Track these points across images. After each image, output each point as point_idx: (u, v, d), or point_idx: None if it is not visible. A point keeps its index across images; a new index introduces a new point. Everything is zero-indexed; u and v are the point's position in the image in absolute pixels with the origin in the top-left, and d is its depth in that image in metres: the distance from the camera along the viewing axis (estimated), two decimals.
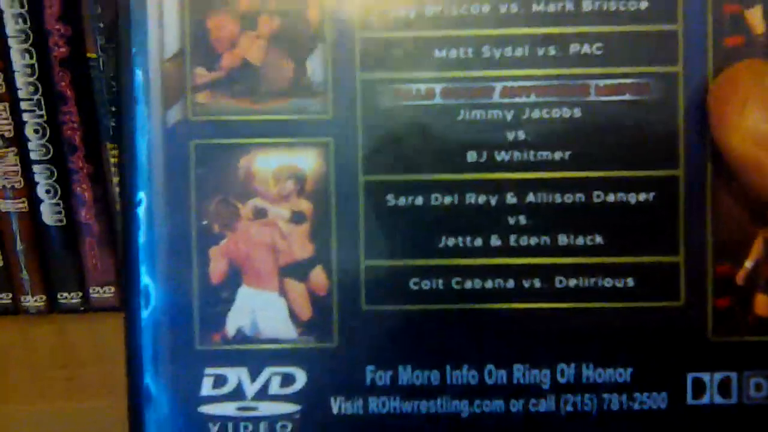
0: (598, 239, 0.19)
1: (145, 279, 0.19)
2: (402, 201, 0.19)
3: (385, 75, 0.19)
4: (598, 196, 0.19)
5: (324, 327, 0.19)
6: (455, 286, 0.19)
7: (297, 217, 0.19)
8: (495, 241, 0.19)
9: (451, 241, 0.19)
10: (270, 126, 0.19)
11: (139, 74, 0.19)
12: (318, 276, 0.19)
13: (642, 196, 0.19)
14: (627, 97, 0.19)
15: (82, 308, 0.29)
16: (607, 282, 0.19)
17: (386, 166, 0.19)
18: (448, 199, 0.19)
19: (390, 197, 0.19)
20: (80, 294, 0.29)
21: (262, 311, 0.19)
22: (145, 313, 0.19)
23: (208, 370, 0.19)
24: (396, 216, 0.19)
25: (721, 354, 0.19)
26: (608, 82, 0.19)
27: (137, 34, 0.19)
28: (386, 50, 0.19)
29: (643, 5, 0.19)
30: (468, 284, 0.19)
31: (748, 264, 0.19)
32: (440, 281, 0.19)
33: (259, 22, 0.19)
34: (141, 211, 0.19)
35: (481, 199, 0.19)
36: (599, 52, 0.19)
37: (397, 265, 0.19)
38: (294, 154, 0.19)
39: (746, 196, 0.19)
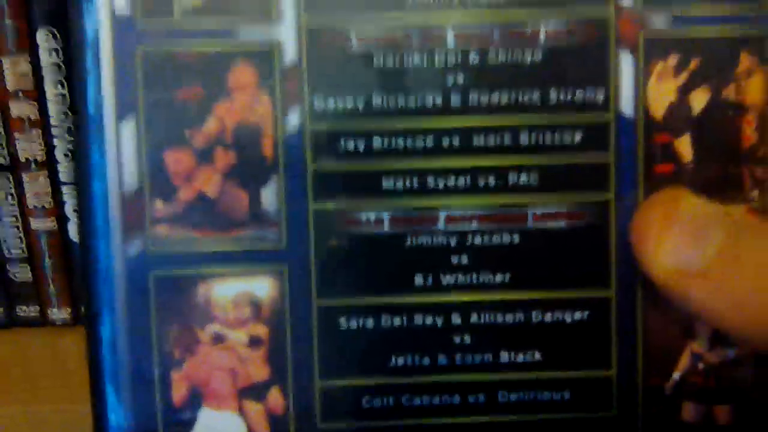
0: (537, 356, 0.21)
1: (111, 402, 0.20)
2: (354, 323, 0.20)
3: (336, 205, 0.20)
4: (537, 316, 0.20)
5: None
6: (405, 403, 0.20)
7: (254, 342, 0.20)
8: (442, 359, 0.20)
9: (400, 361, 0.20)
10: (227, 255, 0.20)
11: (99, 209, 0.20)
12: (275, 397, 0.20)
13: (577, 316, 0.20)
14: (562, 223, 0.20)
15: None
16: (546, 395, 0.21)
17: (338, 290, 0.20)
18: (397, 321, 0.20)
19: (342, 320, 0.20)
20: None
21: (223, 431, 0.20)
22: None
23: None
24: (348, 338, 0.20)
25: None
26: (545, 210, 0.20)
27: (97, 169, 0.20)
28: (337, 181, 0.20)
29: (578, 137, 0.20)
30: (417, 401, 0.20)
31: (676, 375, 0.21)
32: (391, 399, 0.20)
33: (215, 157, 0.20)
34: (105, 338, 0.20)
35: (428, 320, 0.20)
36: (536, 182, 0.20)
37: (349, 385, 0.20)
38: (250, 281, 0.20)
39: (674, 312, 0.20)
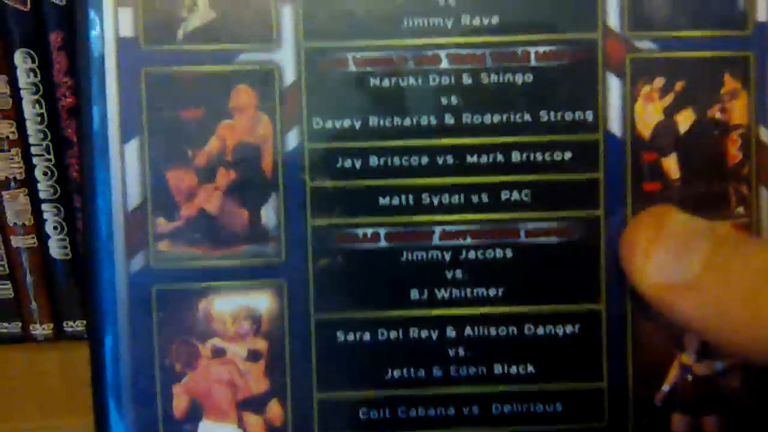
0: (530, 368, 0.21)
1: (113, 415, 0.20)
2: (351, 337, 0.21)
3: (334, 221, 0.21)
4: (529, 329, 0.21)
5: None
6: (401, 415, 0.21)
7: (253, 355, 0.21)
8: (437, 372, 0.21)
9: (396, 373, 0.21)
10: (227, 271, 0.21)
11: (103, 226, 0.20)
12: (274, 409, 0.21)
13: (568, 329, 0.21)
14: (553, 239, 0.21)
15: (86, 335, 0.30)
16: (538, 407, 0.21)
17: (336, 305, 0.21)
18: (393, 335, 0.21)
19: (340, 333, 0.21)
20: (85, 323, 0.31)
21: None
22: None
23: None
24: (345, 351, 0.21)
25: None
26: (536, 225, 0.21)
27: (101, 187, 0.20)
28: (334, 198, 0.21)
29: (567, 156, 0.21)
30: (413, 413, 0.21)
31: (666, 387, 0.21)
32: (387, 411, 0.21)
33: (216, 175, 0.20)
34: (107, 352, 0.20)
35: (424, 333, 0.21)
36: (528, 199, 0.21)
37: (347, 397, 0.21)
38: (250, 296, 0.21)
39: (663, 325, 0.21)
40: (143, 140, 0.20)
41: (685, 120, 0.21)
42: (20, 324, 0.31)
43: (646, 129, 0.21)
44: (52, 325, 0.31)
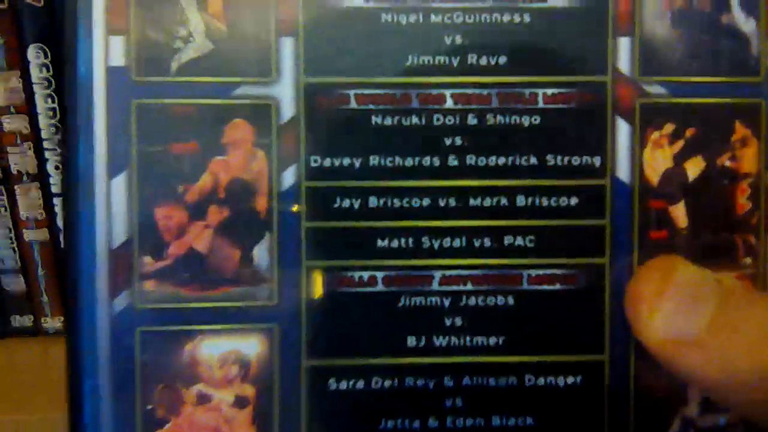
0: (529, 421, 0.20)
1: None
2: (343, 385, 0.20)
3: (330, 263, 0.20)
4: (530, 380, 0.20)
5: None
6: None
7: (240, 402, 0.20)
8: (432, 422, 0.20)
9: (390, 424, 0.20)
10: (215, 313, 0.20)
11: (86, 263, 0.19)
12: None
13: (570, 380, 0.20)
14: (557, 286, 0.20)
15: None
16: None
17: (329, 351, 0.20)
18: (388, 383, 0.20)
19: (332, 381, 0.20)
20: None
21: None
22: None
23: None
24: (337, 400, 0.20)
25: None
26: (540, 272, 0.20)
27: (85, 222, 0.19)
28: (331, 239, 0.20)
29: (573, 201, 0.20)
30: None
31: None
32: None
33: (208, 213, 0.19)
34: (86, 393, 0.19)
35: (420, 382, 0.20)
36: (531, 245, 0.20)
37: None
38: (239, 339, 0.20)
39: (667, 377, 0.20)
40: (131, 175, 0.19)
41: (694, 167, 0.20)
42: (32, 317, 0.32)
43: (654, 176, 0.20)
44: (62, 319, 0.32)
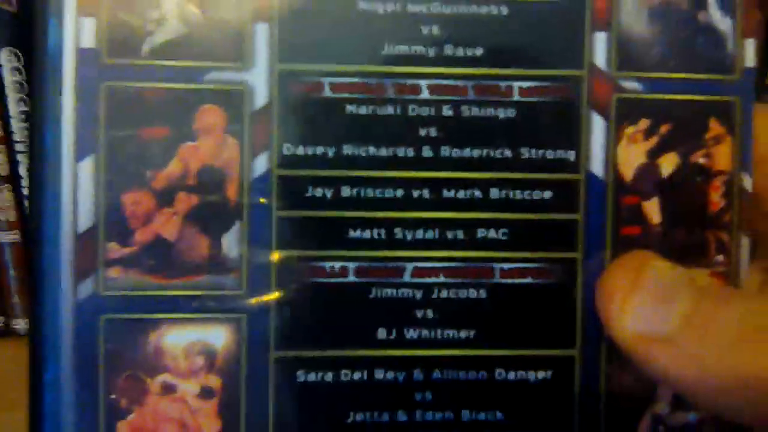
0: (499, 415, 0.20)
1: None
2: (312, 377, 0.20)
3: (301, 253, 0.20)
4: (500, 374, 0.20)
5: None
6: None
7: (206, 393, 0.19)
8: (401, 416, 0.20)
9: (359, 417, 0.20)
10: (182, 301, 0.19)
11: (50, 248, 0.19)
12: None
13: (540, 374, 0.20)
14: (529, 280, 0.20)
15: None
16: None
17: (297, 342, 0.20)
18: (357, 375, 0.20)
19: (300, 373, 0.20)
20: None
21: None
22: None
23: None
24: (305, 392, 0.20)
25: None
26: (512, 266, 0.20)
27: (51, 206, 0.19)
28: (303, 229, 0.20)
29: (547, 195, 0.20)
30: None
31: None
32: None
33: (176, 200, 0.19)
34: (48, 382, 0.19)
35: (390, 375, 0.20)
36: (504, 238, 0.20)
37: None
38: (205, 329, 0.19)
39: (638, 374, 0.20)
40: (99, 159, 0.19)
41: (668, 164, 0.20)
42: (2, 318, 0.32)
43: (628, 171, 0.20)
44: None
